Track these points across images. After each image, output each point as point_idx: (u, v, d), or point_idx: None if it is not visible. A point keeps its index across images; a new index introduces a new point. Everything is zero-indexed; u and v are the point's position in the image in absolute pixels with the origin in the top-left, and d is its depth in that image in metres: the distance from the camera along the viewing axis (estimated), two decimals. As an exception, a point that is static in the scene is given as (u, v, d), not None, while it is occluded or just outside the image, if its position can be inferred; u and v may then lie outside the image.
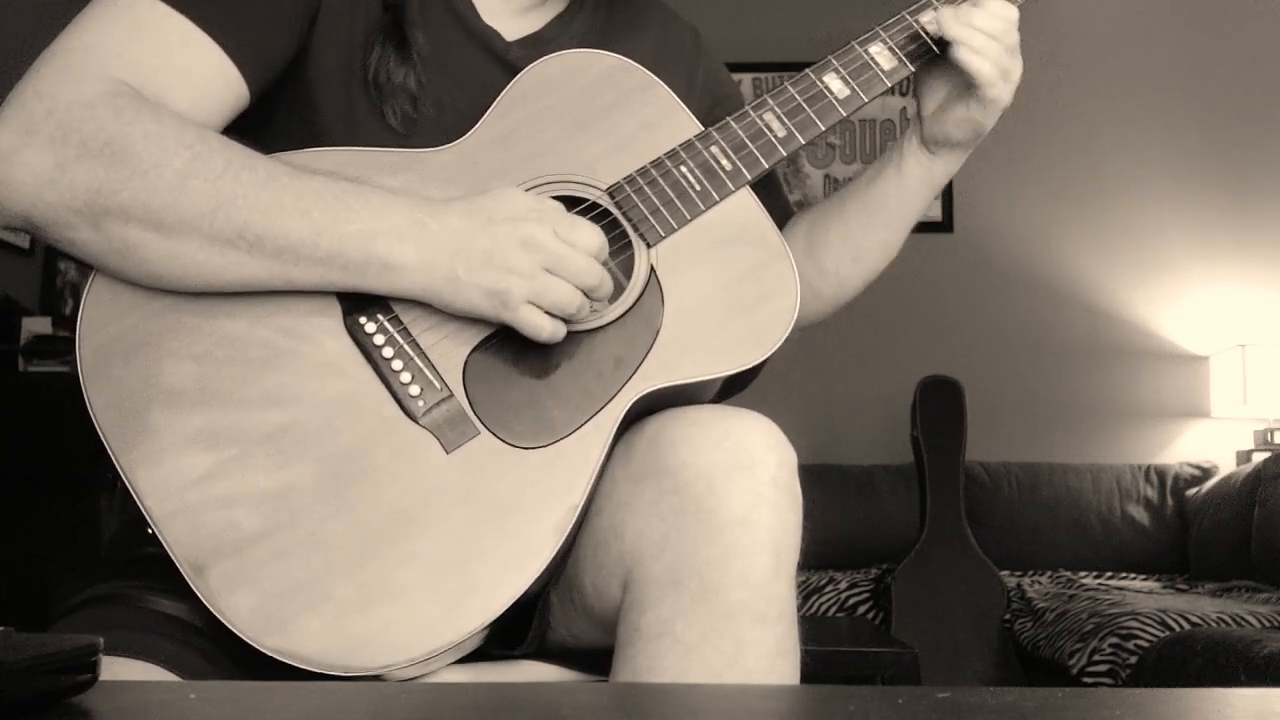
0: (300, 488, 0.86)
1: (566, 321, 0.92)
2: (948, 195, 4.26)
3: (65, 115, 0.85)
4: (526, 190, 0.97)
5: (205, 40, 0.92)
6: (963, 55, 1.03)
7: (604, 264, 0.93)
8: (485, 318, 0.91)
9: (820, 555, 3.77)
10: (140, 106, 0.87)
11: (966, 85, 1.05)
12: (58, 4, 0.96)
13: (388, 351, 0.90)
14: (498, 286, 0.89)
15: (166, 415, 0.87)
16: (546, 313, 0.90)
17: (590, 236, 0.91)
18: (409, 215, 0.89)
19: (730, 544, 0.85)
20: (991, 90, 1.04)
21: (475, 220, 0.89)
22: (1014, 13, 1.05)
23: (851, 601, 3.47)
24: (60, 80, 0.87)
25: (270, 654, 0.82)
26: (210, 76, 0.93)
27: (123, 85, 0.88)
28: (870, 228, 1.14)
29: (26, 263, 3.64)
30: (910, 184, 1.13)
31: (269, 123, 0.99)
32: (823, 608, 3.45)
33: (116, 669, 0.80)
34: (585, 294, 0.91)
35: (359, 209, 0.88)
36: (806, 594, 3.47)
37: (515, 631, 0.94)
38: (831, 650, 2.33)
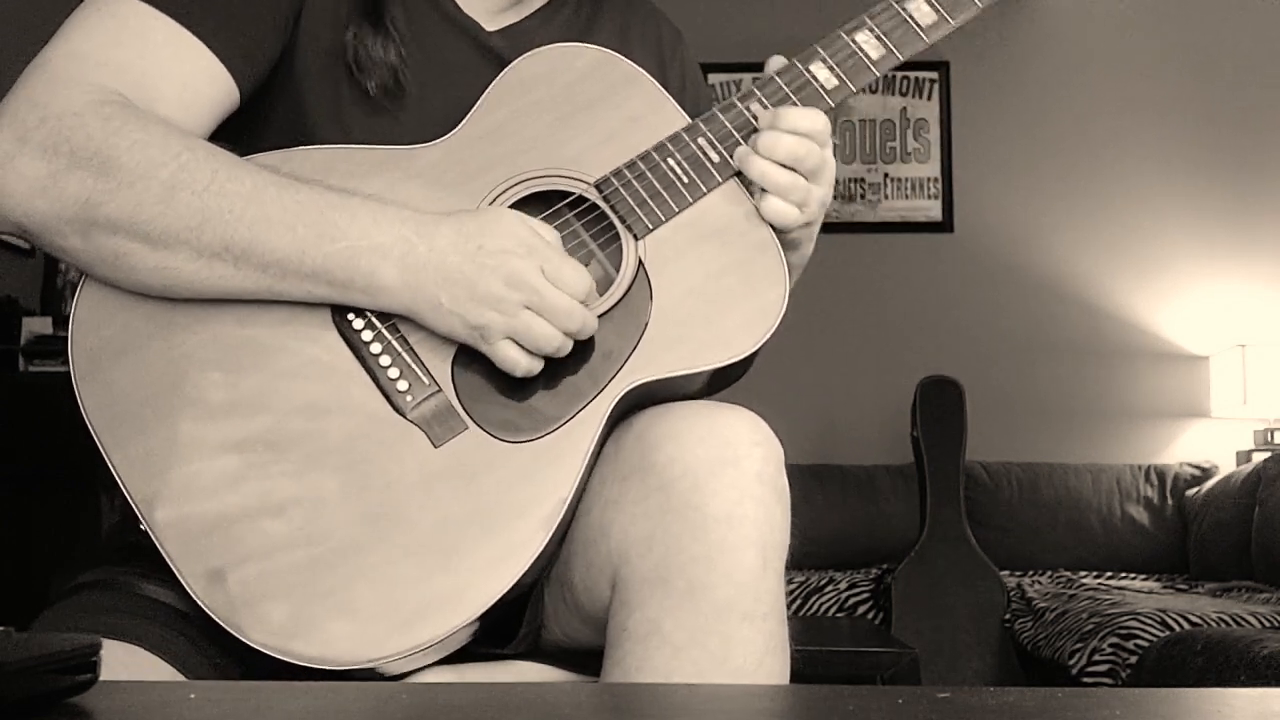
0: (289, 484, 0.86)
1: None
2: (948, 195, 4.26)
3: (56, 124, 0.86)
4: (514, 185, 0.98)
5: (192, 41, 0.92)
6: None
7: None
8: (463, 343, 0.91)
9: (820, 555, 3.78)
10: (127, 115, 0.87)
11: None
12: (57, 4, 0.96)
13: (376, 348, 0.91)
14: (478, 321, 0.89)
15: (157, 416, 0.87)
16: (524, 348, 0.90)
17: (577, 278, 0.91)
18: (396, 232, 0.89)
19: (716, 541, 0.84)
20: (771, 206, 0.98)
21: (465, 246, 0.89)
22: (818, 122, 0.99)
23: (851, 601, 3.47)
24: (51, 88, 0.88)
25: (255, 647, 0.83)
26: (198, 77, 0.93)
27: (112, 93, 0.89)
28: None
29: (27, 263, 3.64)
30: None
31: (258, 118, 0.99)
32: (823, 608, 3.46)
33: (103, 652, 0.81)
34: (570, 334, 0.91)
35: (345, 226, 0.88)
36: (807, 594, 3.47)
37: (507, 630, 0.94)
38: (831, 650, 2.33)
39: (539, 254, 0.90)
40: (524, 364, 0.90)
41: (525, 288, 0.89)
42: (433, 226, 0.90)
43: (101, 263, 0.88)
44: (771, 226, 1.00)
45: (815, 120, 0.99)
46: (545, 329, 0.90)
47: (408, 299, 0.89)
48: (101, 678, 0.58)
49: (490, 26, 1.07)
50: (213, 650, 0.87)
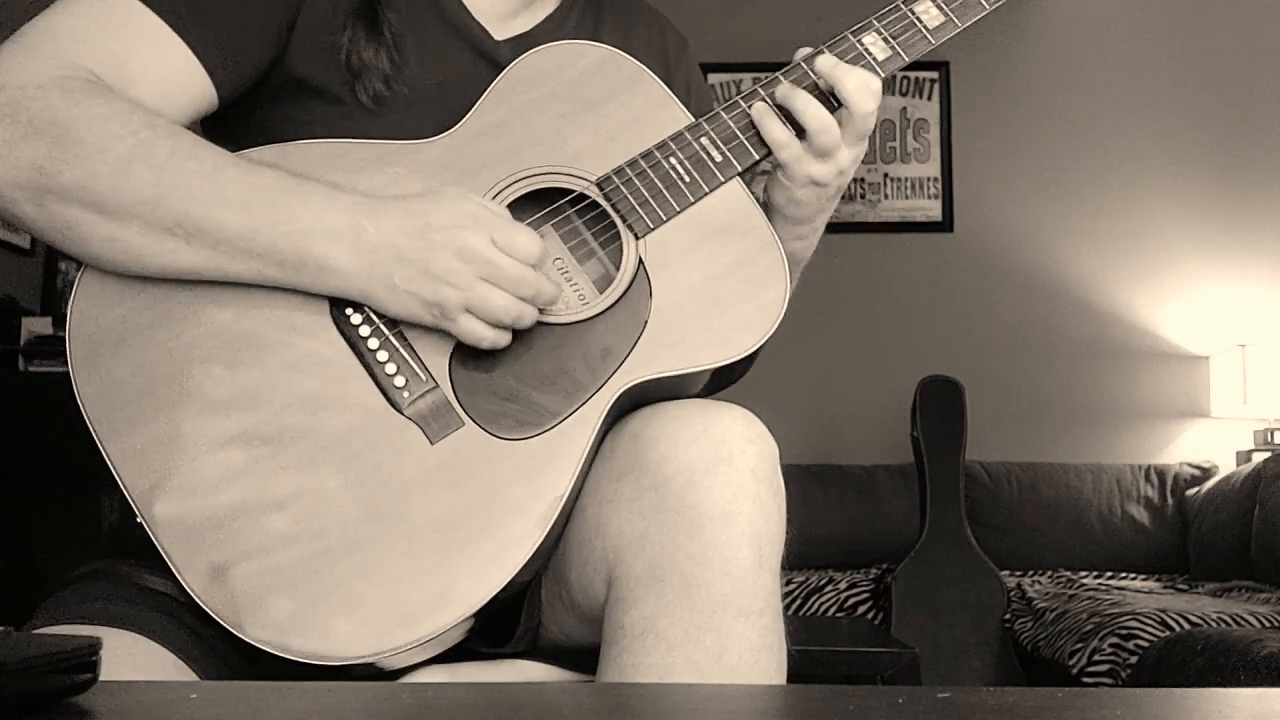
0: (285, 478, 0.86)
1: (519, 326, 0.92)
2: (948, 195, 4.26)
3: (17, 94, 0.86)
4: (515, 182, 0.98)
5: (173, 38, 0.93)
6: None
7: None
8: (424, 324, 0.91)
9: (820, 555, 3.77)
10: (91, 90, 0.88)
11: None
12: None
13: (373, 343, 0.91)
14: (434, 297, 0.89)
15: (153, 406, 0.88)
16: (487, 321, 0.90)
17: (528, 244, 0.90)
18: (348, 217, 0.89)
19: (711, 538, 0.84)
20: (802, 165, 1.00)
21: (413, 225, 0.89)
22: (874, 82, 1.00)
23: (851, 601, 3.47)
24: (19, 60, 0.88)
25: (252, 642, 0.83)
26: (175, 74, 0.93)
27: (81, 69, 0.89)
28: None
29: (27, 263, 3.64)
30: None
31: (256, 120, 0.99)
32: (823, 608, 3.45)
33: (104, 640, 0.81)
34: (527, 301, 0.91)
35: (298, 208, 0.88)
36: (807, 594, 3.47)
37: (505, 629, 0.95)
38: (831, 650, 2.33)
39: (486, 224, 0.90)
40: (489, 336, 0.90)
41: (478, 259, 0.89)
42: (381, 208, 0.90)
43: (54, 231, 0.88)
44: (813, 183, 1.01)
45: (868, 81, 1.00)
46: (501, 298, 0.90)
47: (362, 283, 0.89)
48: (102, 665, 0.58)
49: (499, 34, 1.07)
50: (214, 639, 0.87)
